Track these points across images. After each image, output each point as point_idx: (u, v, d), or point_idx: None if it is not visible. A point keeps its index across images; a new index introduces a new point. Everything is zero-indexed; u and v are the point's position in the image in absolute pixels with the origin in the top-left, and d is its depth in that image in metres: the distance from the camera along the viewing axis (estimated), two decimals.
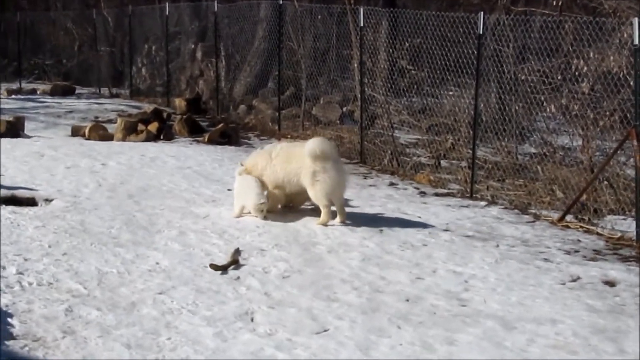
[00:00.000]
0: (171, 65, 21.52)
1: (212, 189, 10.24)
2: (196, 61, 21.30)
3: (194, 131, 15.64)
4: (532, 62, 11.61)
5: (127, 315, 5.75)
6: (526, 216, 9.44)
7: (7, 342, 5.20)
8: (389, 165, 12.50)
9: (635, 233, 8.27)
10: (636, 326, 5.77)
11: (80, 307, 5.86)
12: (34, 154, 12.33)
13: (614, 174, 9.90)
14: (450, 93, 13.34)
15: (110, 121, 17.03)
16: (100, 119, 17.66)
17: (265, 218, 8.44)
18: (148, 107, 17.68)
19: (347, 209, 8.94)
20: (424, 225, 8.61)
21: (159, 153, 13.02)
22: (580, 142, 10.71)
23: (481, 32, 10.44)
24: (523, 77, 11.51)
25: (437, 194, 10.66)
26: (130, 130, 14.86)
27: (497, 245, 7.96)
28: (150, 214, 8.76)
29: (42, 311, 5.76)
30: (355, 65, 14.09)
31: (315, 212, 8.55)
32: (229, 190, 9.70)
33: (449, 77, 12.34)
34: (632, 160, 9.06)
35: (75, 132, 15.43)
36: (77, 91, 23.34)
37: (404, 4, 18.84)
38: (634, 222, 8.42)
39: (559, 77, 11.09)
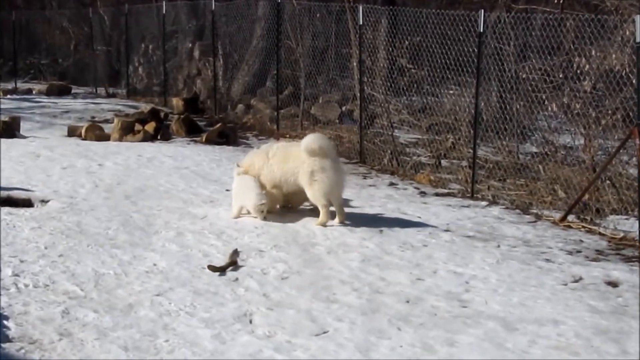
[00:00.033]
0: (168, 65, 21.51)
1: (210, 189, 10.24)
2: (193, 60, 21.30)
3: (192, 131, 15.64)
4: (534, 60, 11.61)
5: (124, 317, 5.75)
6: (528, 216, 9.45)
7: (3, 345, 5.20)
8: (388, 165, 12.51)
9: (638, 233, 8.28)
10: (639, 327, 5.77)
11: (76, 309, 5.86)
12: (30, 155, 12.33)
13: (616, 174, 9.90)
14: (451, 92, 13.35)
15: (106, 121, 17.02)
16: (96, 119, 17.65)
17: (264, 219, 8.44)
18: (145, 106, 17.69)
19: (347, 209, 8.94)
20: (424, 226, 8.62)
21: (156, 153, 13.02)
22: (582, 141, 10.72)
23: (482, 30, 10.44)
24: (524, 76, 11.51)
25: (437, 194, 10.66)
26: (127, 130, 14.86)
27: (499, 246, 7.96)
28: (147, 214, 8.75)
29: (38, 313, 5.76)
30: (355, 63, 14.09)
31: (314, 212, 8.55)
32: (227, 190, 9.70)
33: (449, 76, 12.35)
34: (634, 159, 9.06)
35: (72, 132, 15.42)
36: (73, 91, 23.35)
37: (403, 1, 18.83)
38: (637, 222, 8.43)
39: (561, 76, 11.09)
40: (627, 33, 9.82)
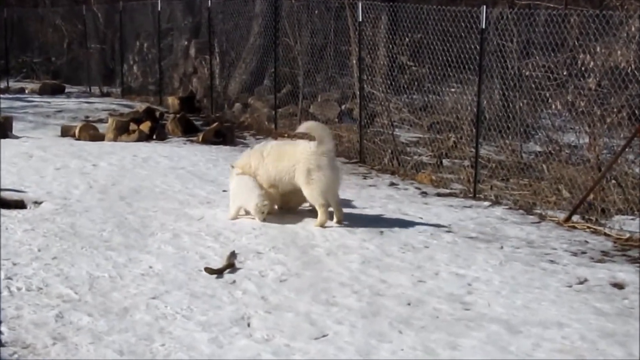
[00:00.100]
0: (164, 63, 21.51)
1: (207, 190, 10.24)
2: (189, 58, 21.30)
3: (188, 130, 15.64)
4: (537, 58, 11.62)
5: (119, 320, 5.75)
6: (531, 217, 9.45)
7: None
8: (389, 165, 12.51)
9: None
10: None
11: (71, 313, 5.85)
12: (23, 155, 12.33)
13: (622, 173, 9.90)
14: (452, 90, 13.35)
15: (101, 121, 17.03)
16: (90, 119, 17.66)
17: (264, 220, 8.44)
18: (140, 106, 17.69)
19: (347, 210, 8.94)
20: (425, 227, 8.62)
21: (152, 153, 13.02)
22: (587, 140, 10.72)
23: (484, 27, 10.44)
24: (527, 73, 11.51)
25: (439, 194, 10.67)
26: (122, 130, 14.86)
27: (502, 247, 7.96)
28: (142, 216, 8.75)
29: (31, 317, 5.76)
30: (354, 61, 14.10)
31: (313, 213, 8.55)
32: (224, 191, 9.71)
33: (450, 74, 12.35)
34: None
35: (65, 132, 15.43)
36: (66, 90, 23.35)
37: None
38: None
39: (565, 73, 11.10)
40: (633, 29, 9.84)
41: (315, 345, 5.40)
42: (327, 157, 8.41)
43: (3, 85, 24.13)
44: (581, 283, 6.89)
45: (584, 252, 7.90)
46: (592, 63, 10.47)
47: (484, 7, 10.46)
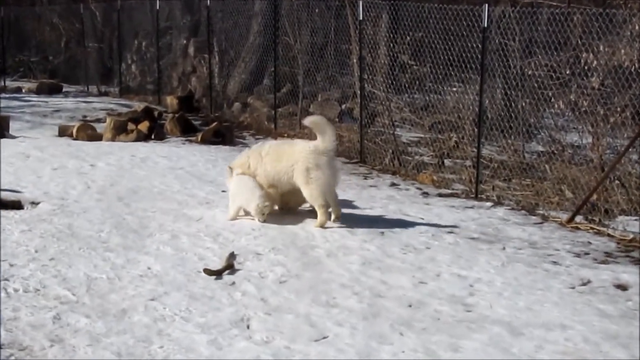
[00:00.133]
0: (162, 62, 21.51)
1: (206, 190, 10.24)
2: (188, 57, 21.30)
3: (187, 130, 15.65)
4: (540, 56, 11.61)
5: (117, 322, 5.75)
6: (534, 217, 9.45)
7: None
8: (390, 165, 12.51)
9: None
10: None
11: (68, 315, 5.85)
12: (20, 155, 12.33)
13: (625, 173, 9.90)
14: (454, 89, 13.35)
15: (98, 120, 17.03)
16: (88, 118, 17.66)
17: (264, 221, 8.44)
18: (138, 105, 17.70)
19: (347, 211, 8.95)
20: (427, 227, 8.62)
21: (150, 153, 13.03)
22: (590, 140, 10.72)
23: (486, 25, 10.44)
24: (530, 72, 11.51)
25: (440, 195, 10.67)
26: (120, 130, 14.86)
27: (504, 248, 7.97)
28: (141, 216, 8.76)
29: (28, 319, 5.76)
30: (355, 60, 14.10)
31: (313, 214, 8.55)
32: (223, 191, 9.71)
33: (452, 73, 12.34)
34: None
35: (63, 132, 15.43)
36: (64, 89, 23.36)
37: None
38: None
39: (568, 72, 11.09)
40: (637, 27, 9.84)
41: (315, 347, 5.41)
42: (326, 156, 8.42)
43: (0, 84, 24.12)
44: (584, 284, 6.90)
45: (587, 253, 7.90)
46: (595, 62, 10.46)
47: (486, 5, 10.46)
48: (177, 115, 16.30)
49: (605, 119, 10.26)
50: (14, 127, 15.57)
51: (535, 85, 11.25)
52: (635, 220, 9.03)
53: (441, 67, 12.25)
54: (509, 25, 11.33)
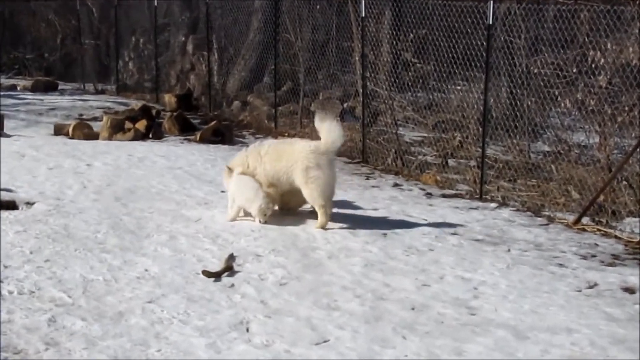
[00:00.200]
0: (160, 59, 21.51)
1: (205, 190, 10.24)
2: (187, 55, 21.31)
3: (185, 129, 15.66)
4: (546, 54, 11.61)
5: (114, 325, 5.75)
6: (539, 219, 9.45)
7: None
8: (392, 165, 12.51)
9: None
10: None
11: (64, 317, 5.85)
12: (14, 154, 12.32)
13: (633, 173, 9.89)
14: (458, 87, 13.34)
15: (95, 119, 17.05)
16: (84, 117, 17.67)
17: (265, 222, 8.45)
18: (136, 103, 17.68)
19: (349, 212, 8.98)
20: (430, 229, 8.62)
21: (148, 153, 13.03)
22: (597, 140, 10.71)
23: (491, 22, 10.44)
24: (536, 70, 11.51)
25: (444, 195, 10.67)
26: (117, 129, 14.87)
27: (509, 250, 7.97)
28: (138, 217, 8.76)
29: (23, 321, 5.76)
30: (357, 58, 14.10)
31: (313, 215, 8.55)
32: (222, 192, 9.71)
33: (456, 71, 12.33)
34: None
35: (58, 130, 15.44)
36: (60, 87, 23.33)
37: None
38: None
39: (574, 70, 11.09)
40: None
41: (316, 351, 5.41)
42: (326, 156, 8.43)
43: None
44: (591, 287, 6.90)
45: (593, 256, 7.90)
46: (602, 60, 10.46)
47: (491, 2, 10.46)
48: (175, 113, 16.31)
49: (613, 119, 10.26)
50: (8, 125, 15.58)
51: (541, 83, 11.24)
52: None
53: (445, 65, 12.24)
54: (515, 22, 11.33)
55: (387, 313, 6.12)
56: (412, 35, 13.73)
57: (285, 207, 8.99)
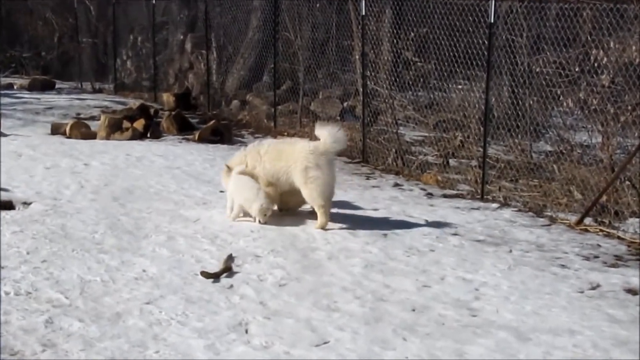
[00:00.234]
0: (158, 58, 21.52)
1: (203, 190, 10.24)
2: (185, 53, 21.31)
3: (184, 128, 15.67)
4: (548, 53, 11.61)
5: (111, 326, 5.75)
6: (541, 219, 9.45)
7: None
8: (393, 165, 12.51)
9: None
10: None
11: (61, 318, 5.85)
12: (11, 154, 12.33)
13: (636, 173, 9.89)
14: (459, 87, 13.34)
15: (93, 118, 17.05)
16: (82, 116, 17.67)
17: (265, 222, 8.45)
18: (134, 102, 17.69)
19: (349, 212, 8.97)
20: (431, 229, 8.62)
21: (146, 152, 13.03)
22: (599, 139, 10.71)
23: (492, 21, 10.44)
24: (538, 69, 11.51)
25: (445, 196, 10.67)
26: (115, 128, 14.87)
27: (510, 251, 7.96)
28: (136, 217, 8.76)
29: (20, 323, 5.76)
30: (357, 57, 14.10)
31: (313, 215, 8.56)
32: (221, 192, 9.70)
33: (457, 70, 12.34)
34: None
35: (56, 129, 15.43)
36: (57, 86, 23.35)
37: None
38: None
39: (577, 69, 11.09)
40: None
41: (316, 352, 5.41)
42: (325, 156, 8.43)
43: None
44: (593, 289, 6.89)
45: (596, 257, 7.90)
46: (605, 59, 10.46)
47: (493, 0, 10.46)
48: (173, 113, 16.32)
49: (616, 118, 10.26)
50: (5, 124, 15.59)
51: (544, 82, 11.24)
52: None
53: (446, 63, 12.24)
54: (517, 20, 11.33)
55: (388, 314, 6.12)
56: (412, 34, 13.73)
57: (285, 207, 9.00)
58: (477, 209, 9.88)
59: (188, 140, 14.81)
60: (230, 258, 7.25)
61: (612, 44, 10.34)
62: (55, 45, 26.68)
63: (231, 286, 6.66)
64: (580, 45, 10.89)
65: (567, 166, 10.74)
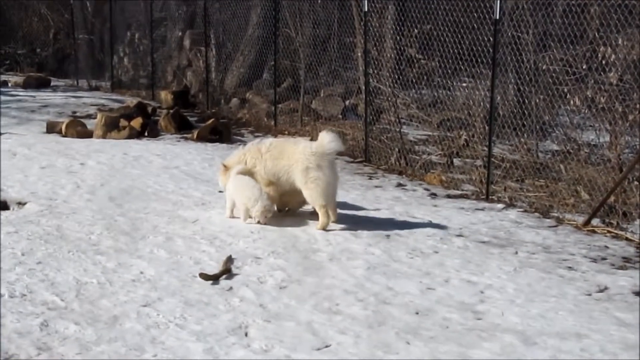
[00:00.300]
0: (156, 55, 21.53)
1: (202, 190, 10.25)
2: (184, 50, 21.31)
3: (182, 127, 15.66)
4: (554, 50, 11.61)
5: (108, 329, 5.75)
6: (548, 220, 9.45)
7: None
8: (396, 165, 12.51)
9: None
10: None
11: (56, 321, 5.85)
12: (6, 153, 12.34)
13: None
14: (464, 85, 13.34)
15: (89, 116, 17.05)
16: (78, 114, 17.66)
17: (265, 223, 8.44)
18: (131, 101, 17.69)
19: (351, 212, 8.97)
20: (435, 230, 8.62)
21: (143, 151, 13.04)
22: (607, 138, 10.71)
23: (498, 17, 10.44)
24: (544, 67, 11.50)
25: (449, 196, 10.67)
26: (112, 127, 14.87)
27: (516, 252, 7.96)
28: (133, 218, 8.76)
29: (14, 326, 5.76)
30: (359, 54, 14.10)
31: (314, 216, 8.56)
32: (220, 192, 9.70)
33: (462, 67, 12.34)
34: None
35: (51, 128, 15.43)
36: (52, 83, 23.36)
37: None
38: None
39: (584, 67, 11.08)
40: None
41: (317, 356, 5.41)
42: (327, 157, 8.43)
43: None
44: (601, 291, 6.89)
45: (604, 258, 7.89)
46: (613, 56, 10.45)
47: None
48: (171, 111, 16.31)
49: (624, 117, 10.25)
50: None
51: (550, 80, 11.24)
52: None
53: (450, 61, 12.24)
54: (522, 17, 11.32)
55: (391, 317, 6.12)
56: (416, 31, 13.72)
57: (285, 207, 9.00)
58: (482, 209, 9.88)
59: (186, 139, 14.81)
60: (230, 260, 7.25)
61: (620, 41, 10.33)
62: (51, 41, 26.70)
63: (230, 288, 6.66)
64: (587, 42, 10.89)
65: (574, 166, 10.73)
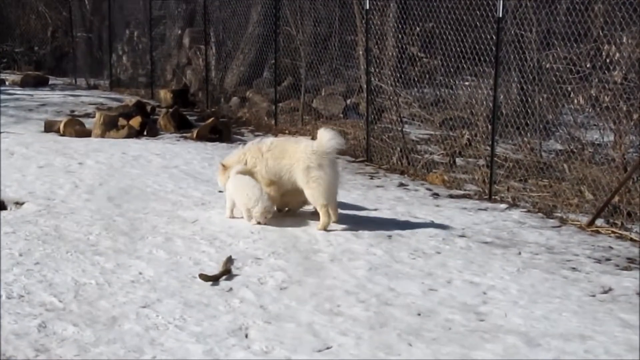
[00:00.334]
0: (155, 53, 21.53)
1: (202, 190, 10.25)
2: (183, 48, 21.32)
3: (181, 126, 15.67)
4: (558, 49, 11.60)
5: (107, 331, 5.76)
6: (551, 220, 9.45)
7: None
8: (398, 164, 12.51)
9: None
10: None
11: (54, 323, 5.86)
12: (3, 152, 12.35)
13: None
14: (467, 83, 13.34)
15: (87, 115, 17.04)
16: (76, 113, 17.66)
17: (265, 223, 8.45)
18: (130, 99, 17.71)
19: (352, 213, 8.96)
20: (437, 231, 8.62)
21: (142, 151, 13.04)
22: (611, 138, 10.71)
23: (501, 15, 10.43)
24: (548, 65, 11.50)
25: (451, 196, 10.66)
26: (110, 126, 14.88)
27: (519, 253, 7.96)
28: (132, 218, 8.76)
29: (12, 327, 5.76)
30: (361, 52, 14.09)
31: (315, 216, 8.56)
32: (219, 192, 9.70)
33: (464, 66, 12.33)
34: None
35: (49, 127, 15.44)
36: (50, 82, 23.38)
37: None
38: None
39: (588, 65, 11.08)
40: None
41: (318, 358, 5.41)
42: (328, 156, 8.43)
43: None
44: (605, 292, 6.89)
45: (608, 259, 7.89)
46: (617, 54, 10.45)
47: None
48: (171, 110, 16.32)
49: (629, 116, 10.25)
50: None
51: (554, 79, 11.23)
52: None
53: (453, 59, 12.24)
54: (526, 15, 11.32)
55: (392, 319, 6.12)
56: (418, 29, 13.72)
57: (285, 207, 9.00)
58: (485, 209, 9.88)
59: (186, 138, 14.81)
60: (230, 260, 7.25)
61: (624, 39, 10.33)
62: (49, 40, 26.71)
63: (230, 289, 6.67)
64: (591, 40, 10.89)
65: (578, 165, 10.73)
